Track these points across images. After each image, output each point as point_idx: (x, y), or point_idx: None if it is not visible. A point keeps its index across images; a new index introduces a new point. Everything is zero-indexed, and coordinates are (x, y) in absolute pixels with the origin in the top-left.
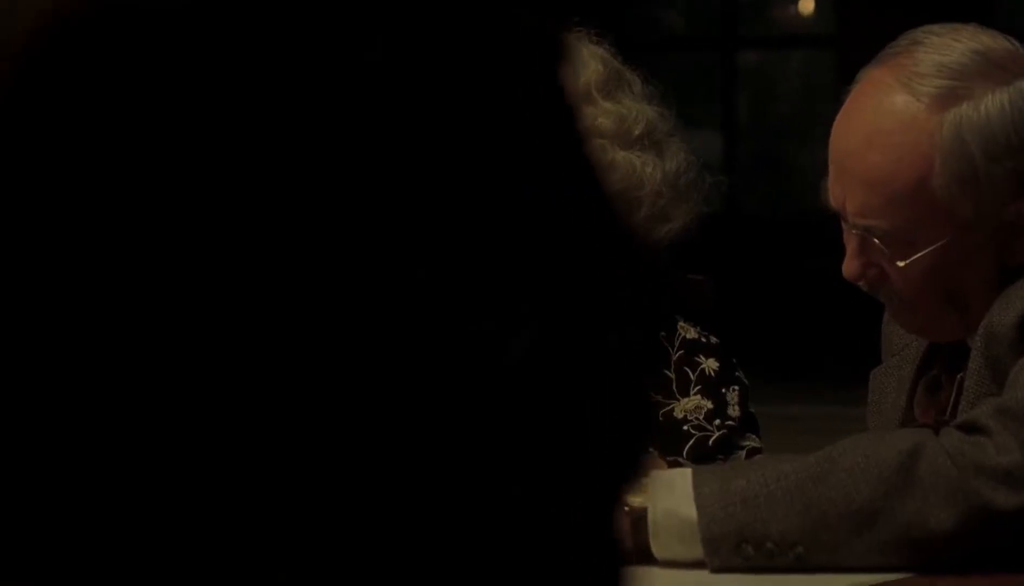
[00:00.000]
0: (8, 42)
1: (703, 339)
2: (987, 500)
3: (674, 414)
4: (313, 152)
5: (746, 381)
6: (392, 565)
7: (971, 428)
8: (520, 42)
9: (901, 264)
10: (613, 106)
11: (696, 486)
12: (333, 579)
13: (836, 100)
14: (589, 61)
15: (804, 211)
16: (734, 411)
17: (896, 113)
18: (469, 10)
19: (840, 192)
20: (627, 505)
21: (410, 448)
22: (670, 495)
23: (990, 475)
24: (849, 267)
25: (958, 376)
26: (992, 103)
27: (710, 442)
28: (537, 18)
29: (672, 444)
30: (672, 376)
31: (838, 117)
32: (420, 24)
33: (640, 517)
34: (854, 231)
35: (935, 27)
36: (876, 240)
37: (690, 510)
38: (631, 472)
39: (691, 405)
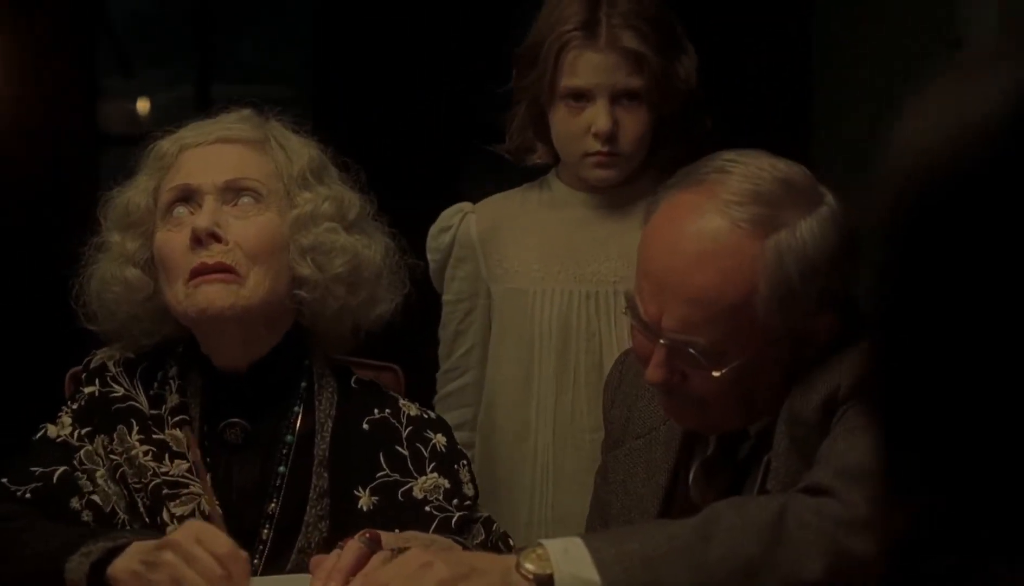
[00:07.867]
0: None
1: (425, 415)
2: (847, 549)
3: (414, 494)
4: None
5: (467, 453)
6: None
7: (816, 491)
8: None
9: (716, 374)
10: (328, 190)
11: (593, 551)
12: None
13: None
14: (301, 149)
15: None
16: (468, 489)
17: (720, 238)
18: None
19: (657, 309)
20: (529, 571)
21: None
22: (569, 561)
23: (847, 527)
24: (655, 374)
25: (764, 457)
26: (805, 229)
27: (452, 522)
28: None
29: (415, 525)
30: (406, 453)
31: (650, 236)
32: None
33: (545, 582)
34: (664, 342)
35: (735, 154)
36: (691, 351)
37: (592, 573)
38: None
39: (429, 484)
